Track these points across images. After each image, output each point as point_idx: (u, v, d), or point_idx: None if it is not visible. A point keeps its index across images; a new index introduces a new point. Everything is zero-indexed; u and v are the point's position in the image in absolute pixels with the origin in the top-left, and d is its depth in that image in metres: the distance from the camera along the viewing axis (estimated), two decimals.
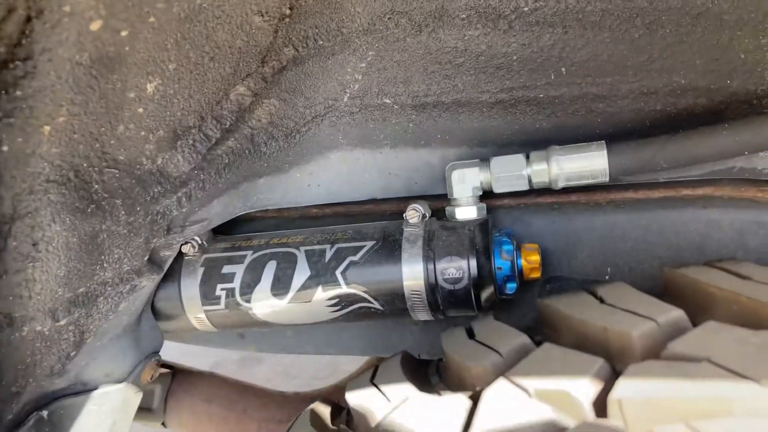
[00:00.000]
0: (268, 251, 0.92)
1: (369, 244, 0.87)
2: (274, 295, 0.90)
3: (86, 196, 0.74)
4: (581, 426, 0.54)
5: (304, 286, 0.89)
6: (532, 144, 0.93)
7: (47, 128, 0.67)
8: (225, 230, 1.07)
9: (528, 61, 0.86)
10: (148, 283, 0.88)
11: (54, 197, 0.70)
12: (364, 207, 1.07)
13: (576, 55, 0.85)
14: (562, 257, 0.97)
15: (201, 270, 0.95)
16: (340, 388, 1.31)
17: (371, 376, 0.81)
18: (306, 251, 0.90)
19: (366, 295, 0.87)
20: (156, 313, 0.98)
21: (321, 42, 0.87)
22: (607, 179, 0.85)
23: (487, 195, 0.94)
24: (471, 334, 0.80)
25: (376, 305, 0.87)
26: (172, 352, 1.30)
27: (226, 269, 0.93)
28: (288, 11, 0.80)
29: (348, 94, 0.94)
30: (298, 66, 0.89)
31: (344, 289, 0.87)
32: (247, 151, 0.92)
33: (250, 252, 0.93)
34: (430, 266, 0.84)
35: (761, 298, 0.63)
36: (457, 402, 0.66)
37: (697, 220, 0.92)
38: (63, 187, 0.70)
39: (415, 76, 0.91)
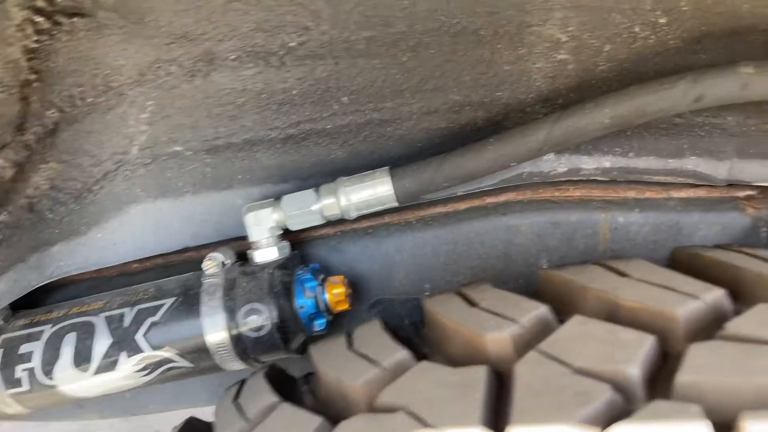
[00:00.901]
0: (67, 323, 0.87)
1: (169, 301, 0.84)
2: (78, 369, 0.85)
3: None
4: None
5: (107, 356, 0.84)
6: (333, 174, 0.93)
7: None
8: (36, 301, 1.01)
9: (309, 94, 0.86)
10: None
11: None
12: (185, 255, 1.03)
13: (353, 83, 0.85)
14: (381, 280, 0.97)
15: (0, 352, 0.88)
16: None
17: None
18: (106, 317, 0.85)
19: (172, 356, 0.83)
20: None
21: (91, 99, 0.83)
22: (397, 204, 0.86)
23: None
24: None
25: (185, 364, 0.84)
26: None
27: (24, 348, 0.86)
28: (33, 77, 0.75)
29: (137, 146, 0.90)
30: (72, 125, 0.85)
31: (148, 353, 0.83)
32: (27, 222, 0.86)
33: (49, 326, 0.87)
34: (232, 316, 0.81)
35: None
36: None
37: (498, 227, 0.94)
38: None
39: (202, 120, 0.88)
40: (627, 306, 0.59)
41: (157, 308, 0.84)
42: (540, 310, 0.64)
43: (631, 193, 0.96)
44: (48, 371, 0.85)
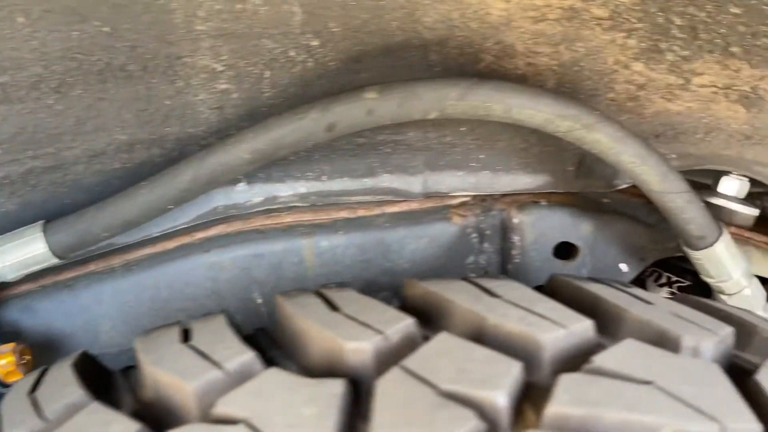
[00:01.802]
0: None
1: None
2: None
3: None
4: None
5: None
6: (9, 229, 0.85)
7: None
8: None
9: None
10: None
11: None
12: None
13: (1, 132, 0.78)
14: (84, 336, 0.90)
15: None
16: None
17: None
18: None
19: None
20: None
21: None
22: (58, 261, 0.79)
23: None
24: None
25: None
26: None
27: None
28: None
29: None
30: None
31: None
32: None
33: None
34: None
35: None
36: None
37: (201, 265, 0.90)
38: None
39: None
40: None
41: None
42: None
43: (343, 213, 0.95)
44: None
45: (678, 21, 0.74)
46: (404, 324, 0.55)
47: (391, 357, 0.51)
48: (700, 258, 0.85)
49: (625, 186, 0.96)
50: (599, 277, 0.70)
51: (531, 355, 0.48)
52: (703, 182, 0.99)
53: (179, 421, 0.52)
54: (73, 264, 0.91)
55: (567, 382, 0.43)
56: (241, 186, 0.89)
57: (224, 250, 0.90)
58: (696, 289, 0.96)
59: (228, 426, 0.46)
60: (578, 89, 0.88)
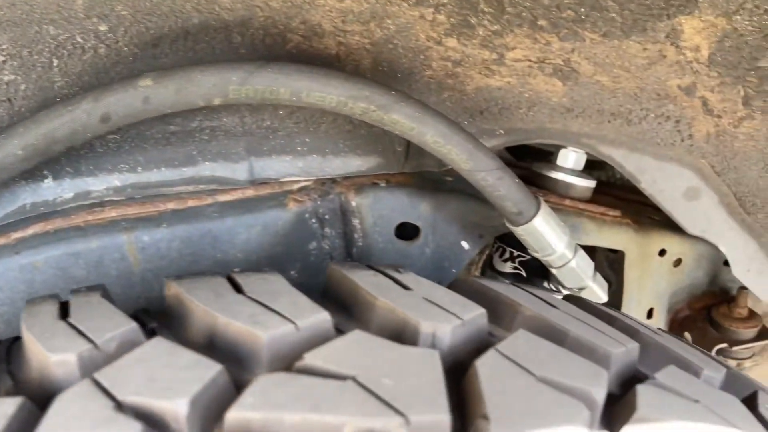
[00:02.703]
0: None
1: None
2: None
3: None
4: None
5: None
6: None
7: None
8: None
9: None
10: None
11: None
12: None
13: None
14: None
15: None
16: None
17: None
18: None
19: None
20: None
21: None
22: None
23: None
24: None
25: None
26: None
27: None
28: None
29: None
30: None
31: None
32: None
33: None
34: None
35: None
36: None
37: (12, 268, 0.85)
38: None
39: None
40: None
41: None
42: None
43: (171, 205, 0.91)
44: None
45: None
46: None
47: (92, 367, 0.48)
48: (522, 233, 0.85)
49: None
50: (377, 264, 0.69)
51: (250, 355, 0.46)
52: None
53: None
54: None
55: (261, 383, 0.41)
56: (48, 182, 0.84)
57: (36, 250, 0.85)
58: (538, 263, 0.96)
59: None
60: (395, 68, 0.86)
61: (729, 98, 0.85)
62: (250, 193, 0.94)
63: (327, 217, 0.97)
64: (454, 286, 0.69)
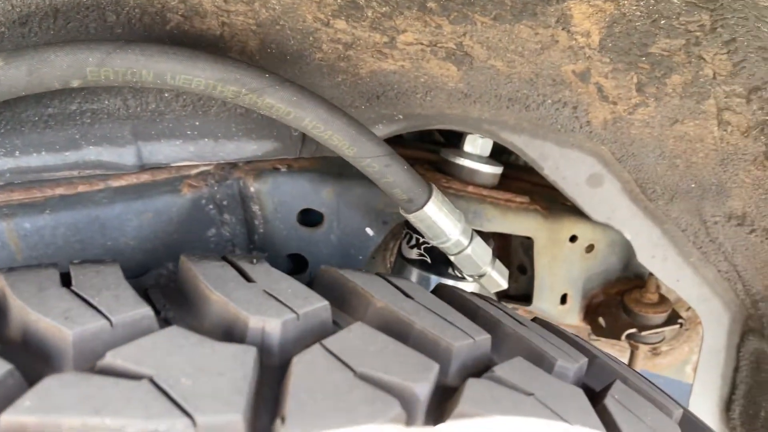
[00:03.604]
0: None
1: None
2: None
3: None
4: None
5: None
6: None
7: None
8: None
9: None
10: None
11: None
12: None
13: None
14: None
15: None
16: None
17: None
18: None
19: None
20: None
21: None
22: None
23: None
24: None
25: None
26: None
27: None
28: None
29: None
30: None
31: None
32: None
33: None
34: None
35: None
36: None
37: None
38: None
39: None
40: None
41: None
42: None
43: (60, 190, 0.88)
44: None
45: None
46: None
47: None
48: (414, 220, 0.84)
49: None
50: (234, 255, 0.67)
51: (58, 352, 0.44)
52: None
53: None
54: None
55: (45, 384, 0.39)
56: None
57: None
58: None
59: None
60: (284, 50, 0.83)
61: (623, 85, 0.84)
62: (145, 178, 0.91)
63: (225, 203, 0.94)
64: (317, 277, 0.68)
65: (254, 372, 0.43)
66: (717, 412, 1.19)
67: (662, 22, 0.75)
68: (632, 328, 1.12)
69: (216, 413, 0.38)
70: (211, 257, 0.64)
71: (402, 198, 0.81)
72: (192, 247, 0.95)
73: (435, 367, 0.48)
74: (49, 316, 0.46)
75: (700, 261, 1.03)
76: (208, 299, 0.52)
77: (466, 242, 0.87)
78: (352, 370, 0.45)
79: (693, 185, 0.95)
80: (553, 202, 1.10)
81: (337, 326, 0.54)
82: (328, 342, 0.47)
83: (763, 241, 0.94)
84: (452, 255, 0.88)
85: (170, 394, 0.39)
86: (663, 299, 1.14)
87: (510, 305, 1.16)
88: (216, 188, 0.93)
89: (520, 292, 1.22)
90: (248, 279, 0.56)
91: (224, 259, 0.64)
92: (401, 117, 0.90)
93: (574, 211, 1.08)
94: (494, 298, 0.93)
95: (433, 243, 0.88)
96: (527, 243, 1.14)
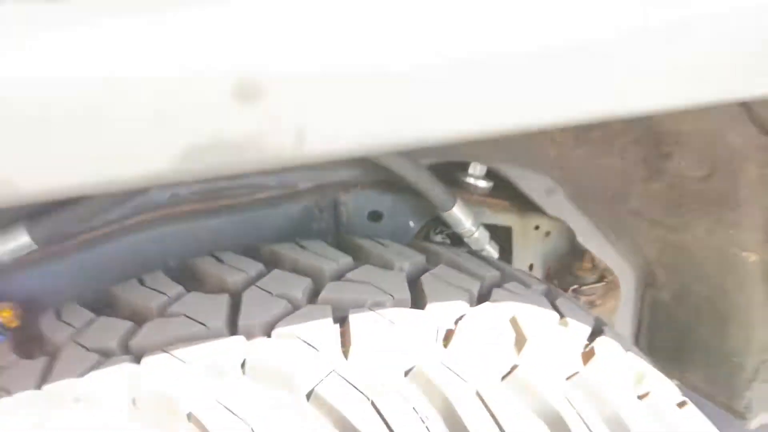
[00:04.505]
0: None
1: None
2: None
3: None
4: None
5: None
6: None
7: None
8: None
9: None
10: None
11: None
12: None
13: None
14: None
15: None
16: None
17: None
18: None
19: None
20: None
21: None
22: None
23: None
24: None
25: None
26: None
27: None
28: None
29: None
30: None
31: None
32: None
33: None
34: None
35: None
36: None
37: None
38: None
39: None
40: None
41: None
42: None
43: (225, 201, 1.43)
44: None
45: None
46: None
47: None
48: (446, 216, 1.42)
49: None
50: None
51: None
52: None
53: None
54: None
55: None
56: None
57: None
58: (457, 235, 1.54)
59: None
60: None
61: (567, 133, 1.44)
62: (279, 192, 1.47)
63: (324, 206, 1.51)
64: None
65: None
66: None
67: None
68: (575, 285, 1.74)
69: None
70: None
71: (438, 202, 1.39)
72: (301, 235, 1.51)
73: None
74: None
75: (615, 240, 1.65)
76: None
77: (475, 230, 1.46)
78: None
79: (609, 193, 1.56)
80: (525, 204, 1.71)
81: None
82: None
83: (648, 226, 1.56)
84: (466, 238, 1.47)
85: None
86: (595, 266, 1.76)
87: None
88: (319, 199, 1.49)
89: None
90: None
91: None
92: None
93: (537, 209, 1.68)
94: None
95: (455, 230, 1.46)
96: (507, 231, 1.75)
